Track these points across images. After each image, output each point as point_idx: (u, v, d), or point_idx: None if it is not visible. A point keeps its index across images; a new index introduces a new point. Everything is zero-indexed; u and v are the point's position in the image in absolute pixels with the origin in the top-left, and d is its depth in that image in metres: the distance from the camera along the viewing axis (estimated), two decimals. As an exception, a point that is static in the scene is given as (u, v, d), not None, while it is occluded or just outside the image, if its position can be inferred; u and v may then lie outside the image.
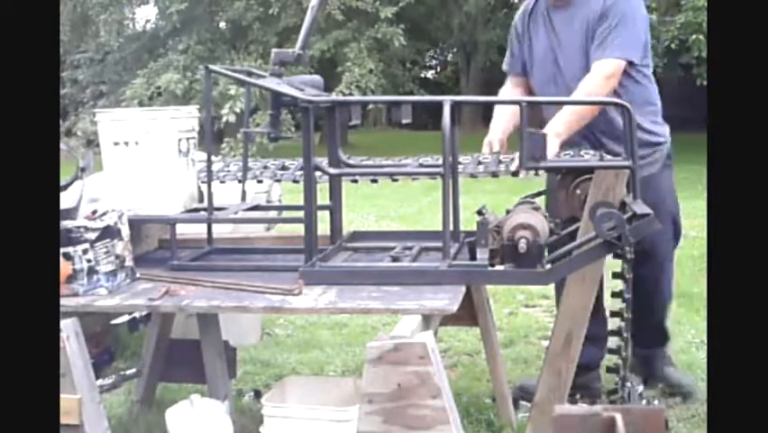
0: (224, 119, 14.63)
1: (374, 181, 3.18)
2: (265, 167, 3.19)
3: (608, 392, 3.04)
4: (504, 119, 3.25)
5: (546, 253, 2.55)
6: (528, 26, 3.40)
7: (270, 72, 2.72)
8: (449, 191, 2.50)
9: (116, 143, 2.71)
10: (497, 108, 3.31)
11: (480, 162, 2.99)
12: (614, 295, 2.83)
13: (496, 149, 3.16)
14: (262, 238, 3.24)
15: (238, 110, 14.40)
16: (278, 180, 3.22)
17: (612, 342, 2.95)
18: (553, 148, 2.80)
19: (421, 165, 3.01)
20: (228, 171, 3.20)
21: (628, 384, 2.93)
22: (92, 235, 2.41)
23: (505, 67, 3.53)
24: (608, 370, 2.95)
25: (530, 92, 3.43)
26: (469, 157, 3.12)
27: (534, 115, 3.18)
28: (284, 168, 3.18)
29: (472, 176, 2.92)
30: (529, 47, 3.40)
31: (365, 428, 1.96)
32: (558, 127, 3.00)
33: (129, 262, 2.54)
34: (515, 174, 2.84)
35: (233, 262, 2.80)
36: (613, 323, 2.91)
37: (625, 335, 2.84)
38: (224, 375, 2.91)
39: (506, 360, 3.70)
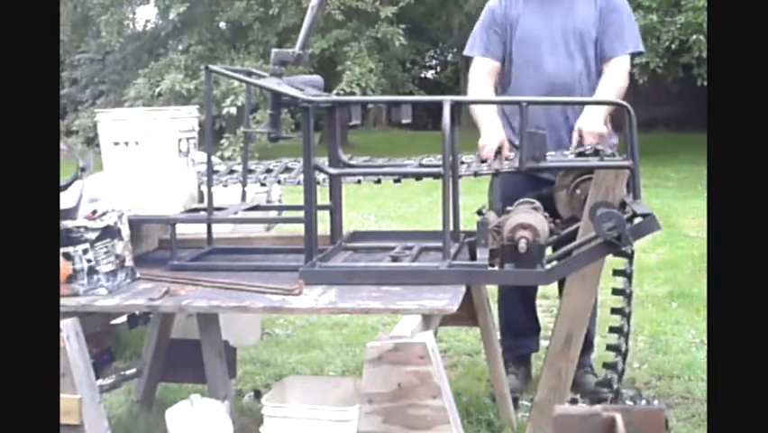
0: (225, 111, 14.69)
1: (378, 182, 3.19)
2: (268, 170, 3.20)
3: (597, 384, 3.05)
4: (496, 119, 3.27)
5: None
6: (509, 11, 3.41)
7: (270, 72, 2.73)
8: (449, 191, 2.50)
9: (116, 143, 2.71)
10: (480, 107, 3.30)
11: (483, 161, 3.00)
12: (615, 292, 2.83)
13: (507, 152, 3.15)
14: (262, 238, 3.24)
15: (240, 103, 14.41)
16: (280, 183, 3.22)
17: (611, 338, 2.96)
18: (600, 127, 3.15)
19: (421, 165, 3.01)
20: (232, 176, 3.20)
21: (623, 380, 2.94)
22: (92, 235, 2.41)
23: (477, 53, 3.47)
24: (605, 366, 2.95)
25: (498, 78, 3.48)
26: (472, 156, 3.13)
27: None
28: (287, 169, 3.18)
29: (476, 174, 2.92)
30: (511, 32, 3.40)
31: (365, 428, 1.96)
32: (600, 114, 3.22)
33: (129, 262, 2.54)
34: (518, 170, 2.85)
35: (233, 262, 2.80)
36: (614, 320, 2.91)
37: (625, 330, 2.84)
38: (223, 375, 2.91)
39: (506, 360, 3.70)
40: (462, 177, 2.87)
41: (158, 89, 16.14)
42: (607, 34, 3.33)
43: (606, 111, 3.26)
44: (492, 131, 3.22)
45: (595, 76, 3.36)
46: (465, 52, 3.53)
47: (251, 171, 3.17)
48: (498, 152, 3.13)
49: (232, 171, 3.27)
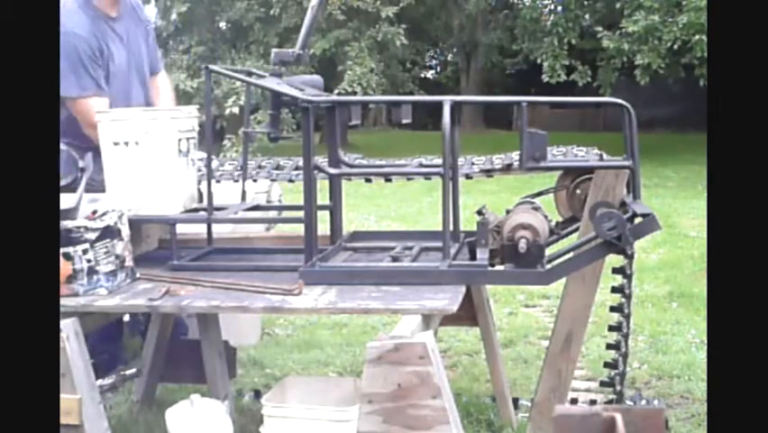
0: (228, 111, 14.74)
1: (388, 180, 3.19)
2: (260, 166, 3.21)
3: (601, 383, 3.04)
4: None
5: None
6: (101, 42, 3.21)
7: (271, 72, 2.73)
8: (449, 191, 2.50)
9: (116, 143, 2.71)
10: None
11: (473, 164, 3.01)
12: (614, 290, 2.83)
13: None
14: (262, 238, 3.24)
15: (242, 102, 14.44)
16: (274, 180, 3.23)
17: (610, 337, 2.95)
18: None
19: (421, 165, 3.01)
20: (224, 171, 3.21)
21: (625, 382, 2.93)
22: (92, 235, 2.41)
23: (92, 91, 3.14)
24: (606, 365, 2.95)
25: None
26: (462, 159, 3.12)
27: None
28: (278, 167, 3.19)
29: (467, 177, 2.92)
30: (108, 62, 3.26)
31: (365, 428, 1.96)
32: None
33: (129, 262, 2.54)
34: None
35: (232, 262, 2.80)
36: (612, 318, 2.91)
37: (625, 330, 2.84)
38: (223, 375, 2.91)
39: (506, 360, 3.70)
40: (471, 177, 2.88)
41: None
42: (150, 56, 3.50)
43: None
44: None
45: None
46: (69, 93, 3.07)
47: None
48: None
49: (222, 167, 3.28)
